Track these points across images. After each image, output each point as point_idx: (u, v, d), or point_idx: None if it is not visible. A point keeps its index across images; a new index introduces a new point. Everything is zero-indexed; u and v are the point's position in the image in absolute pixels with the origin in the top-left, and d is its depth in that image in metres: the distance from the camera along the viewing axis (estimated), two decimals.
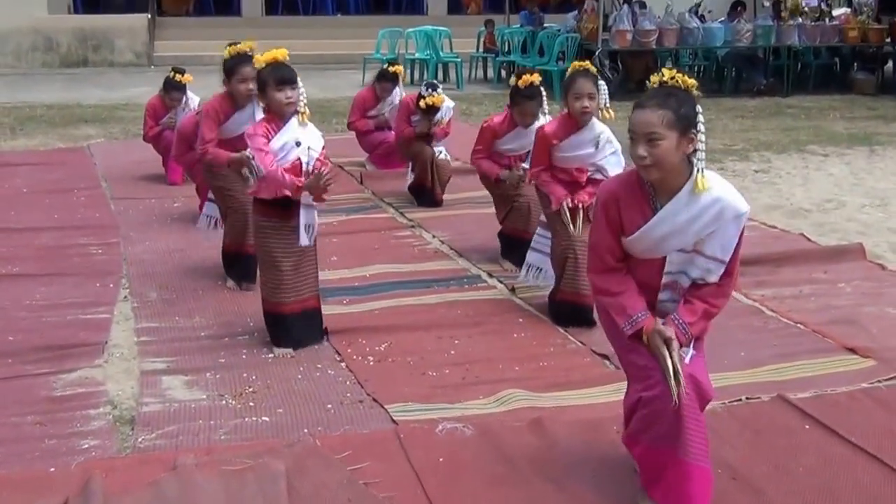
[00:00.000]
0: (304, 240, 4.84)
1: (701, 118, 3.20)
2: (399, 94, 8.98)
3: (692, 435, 3.27)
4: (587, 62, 5.45)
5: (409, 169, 8.27)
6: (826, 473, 3.72)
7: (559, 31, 16.75)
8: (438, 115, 8.06)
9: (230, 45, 5.86)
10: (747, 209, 3.28)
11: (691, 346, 3.35)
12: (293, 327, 4.95)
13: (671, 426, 3.26)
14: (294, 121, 4.83)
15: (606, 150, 5.32)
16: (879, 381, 4.56)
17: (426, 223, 7.45)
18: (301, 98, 4.80)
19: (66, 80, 17.03)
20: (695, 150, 3.20)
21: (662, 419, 3.28)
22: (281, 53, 4.81)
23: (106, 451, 3.87)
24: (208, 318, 5.38)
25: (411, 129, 8.12)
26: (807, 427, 4.09)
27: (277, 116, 4.81)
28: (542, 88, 6.12)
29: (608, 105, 5.45)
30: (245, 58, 5.67)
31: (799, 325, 5.36)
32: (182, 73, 8.44)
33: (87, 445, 3.90)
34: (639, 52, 15.77)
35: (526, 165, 6.12)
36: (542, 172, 5.41)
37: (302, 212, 4.82)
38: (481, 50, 18.22)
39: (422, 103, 8.01)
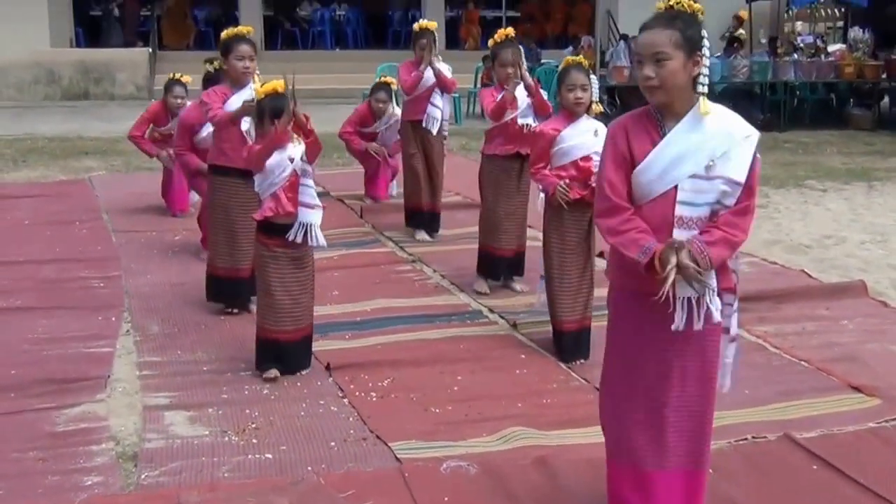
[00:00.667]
0: (299, 236, 4.93)
1: (706, 42, 3.18)
2: (396, 111, 9.00)
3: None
4: (580, 57, 5.60)
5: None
6: None
7: (557, 66, 16.82)
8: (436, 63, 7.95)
9: None
10: (757, 133, 3.22)
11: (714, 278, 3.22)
12: (287, 354, 5.03)
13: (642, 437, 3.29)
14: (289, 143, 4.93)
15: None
16: (886, 421, 4.55)
17: (426, 258, 7.45)
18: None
19: (67, 113, 17.08)
20: (698, 74, 3.17)
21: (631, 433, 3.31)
22: (280, 85, 4.86)
23: (109, 487, 3.84)
24: (210, 352, 5.36)
25: (417, 74, 7.91)
26: (814, 467, 4.07)
27: (265, 137, 4.90)
28: (517, 43, 6.37)
29: (598, 100, 5.50)
30: (241, 36, 5.90)
31: (802, 362, 5.34)
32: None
33: (90, 482, 3.87)
34: (636, 88, 15.81)
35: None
36: (541, 169, 5.43)
37: (301, 211, 4.94)
38: (479, 85, 18.27)
39: (415, 27, 8.11)
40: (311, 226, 4.97)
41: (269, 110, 4.86)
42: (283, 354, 5.01)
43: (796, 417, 4.61)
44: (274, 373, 4.99)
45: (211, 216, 6.13)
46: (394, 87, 9.11)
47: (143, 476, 3.92)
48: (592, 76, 5.47)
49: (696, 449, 3.36)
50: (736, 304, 3.38)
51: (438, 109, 8.02)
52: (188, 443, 4.22)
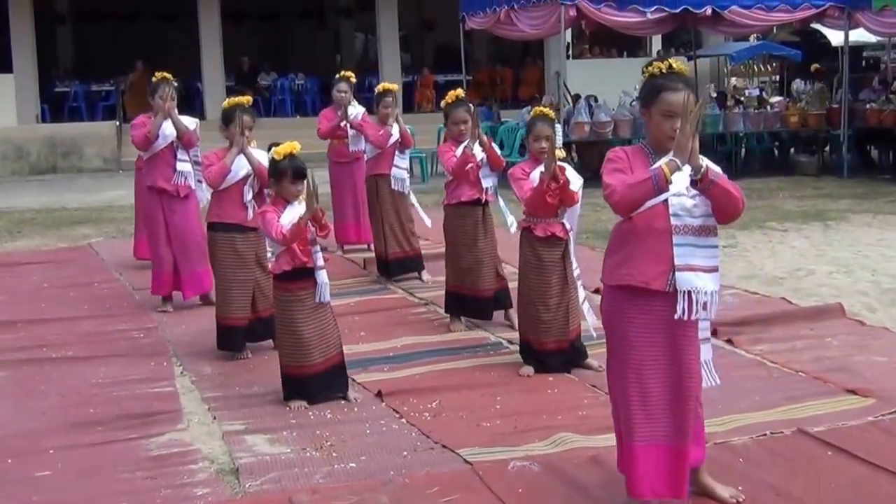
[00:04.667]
0: (324, 296, 5.51)
1: None
2: (358, 107, 9.75)
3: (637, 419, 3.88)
4: (547, 108, 6.32)
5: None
6: (857, 487, 4.28)
7: (518, 124, 17.57)
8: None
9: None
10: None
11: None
12: (319, 384, 5.51)
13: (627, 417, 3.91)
14: (296, 202, 5.48)
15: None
16: (883, 415, 5.15)
17: (437, 301, 7.95)
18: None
19: (38, 187, 17.42)
20: None
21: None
22: (295, 147, 5.45)
23: (220, 496, 4.32)
24: (266, 387, 5.82)
25: (385, 130, 8.67)
26: (829, 453, 4.65)
27: (284, 201, 5.47)
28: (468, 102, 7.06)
29: (561, 146, 6.15)
30: (242, 107, 6.49)
31: (800, 373, 5.94)
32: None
33: (201, 493, 4.35)
34: (594, 143, 16.62)
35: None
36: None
37: (317, 274, 5.48)
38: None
39: (378, 88, 9.05)
40: (326, 285, 5.52)
41: (292, 170, 5.41)
42: (312, 385, 5.49)
43: (804, 416, 5.18)
44: (299, 403, 5.47)
45: (215, 271, 6.65)
46: (353, 80, 9.94)
47: (247, 486, 4.40)
48: (557, 125, 6.16)
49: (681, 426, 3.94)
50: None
51: (402, 170, 8.81)
52: (277, 458, 4.71)
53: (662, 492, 3.93)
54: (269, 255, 5.99)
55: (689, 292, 3.85)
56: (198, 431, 5.15)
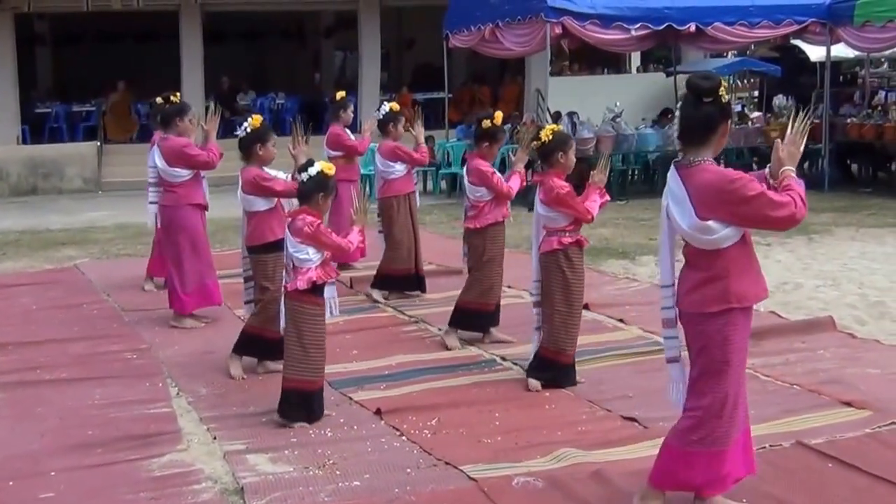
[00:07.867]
0: (335, 312, 5.66)
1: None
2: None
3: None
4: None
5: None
6: (858, 498, 4.33)
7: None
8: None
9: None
10: None
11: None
12: (319, 401, 5.59)
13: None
14: None
15: None
16: (880, 427, 5.21)
17: (428, 318, 7.96)
18: None
19: (19, 209, 17.30)
20: None
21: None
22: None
23: None
24: (262, 406, 5.81)
25: (423, 148, 9.05)
26: (830, 465, 4.70)
27: (319, 215, 5.52)
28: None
29: None
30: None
31: (795, 386, 5.99)
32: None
33: None
34: (579, 159, 16.64)
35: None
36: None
37: (326, 288, 5.55)
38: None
39: (392, 108, 9.34)
40: (335, 298, 5.63)
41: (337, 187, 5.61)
42: (315, 401, 5.53)
43: (801, 429, 5.23)
44: (299, 424, 5.47)
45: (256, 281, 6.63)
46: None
47: None
48: None
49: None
50: None
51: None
52: (280, 477, 4.71)
53: (743, 473, 4.23)
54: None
55: None
56: (198, 452, 5.13)
